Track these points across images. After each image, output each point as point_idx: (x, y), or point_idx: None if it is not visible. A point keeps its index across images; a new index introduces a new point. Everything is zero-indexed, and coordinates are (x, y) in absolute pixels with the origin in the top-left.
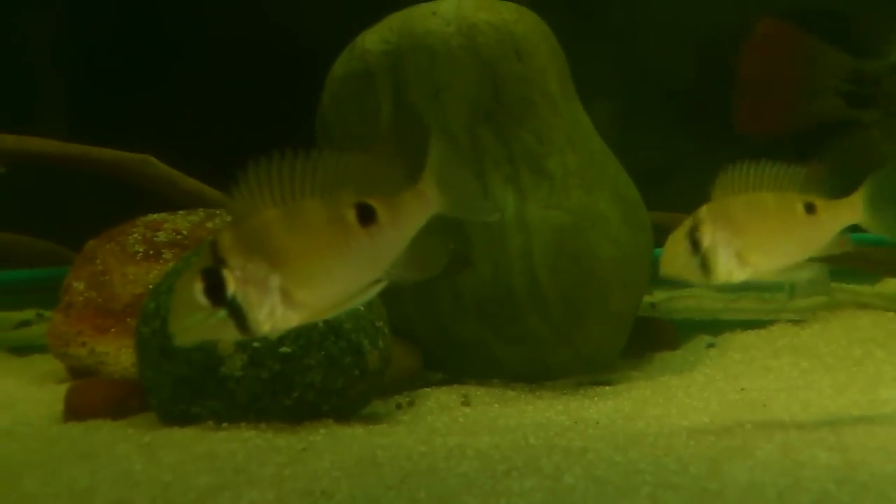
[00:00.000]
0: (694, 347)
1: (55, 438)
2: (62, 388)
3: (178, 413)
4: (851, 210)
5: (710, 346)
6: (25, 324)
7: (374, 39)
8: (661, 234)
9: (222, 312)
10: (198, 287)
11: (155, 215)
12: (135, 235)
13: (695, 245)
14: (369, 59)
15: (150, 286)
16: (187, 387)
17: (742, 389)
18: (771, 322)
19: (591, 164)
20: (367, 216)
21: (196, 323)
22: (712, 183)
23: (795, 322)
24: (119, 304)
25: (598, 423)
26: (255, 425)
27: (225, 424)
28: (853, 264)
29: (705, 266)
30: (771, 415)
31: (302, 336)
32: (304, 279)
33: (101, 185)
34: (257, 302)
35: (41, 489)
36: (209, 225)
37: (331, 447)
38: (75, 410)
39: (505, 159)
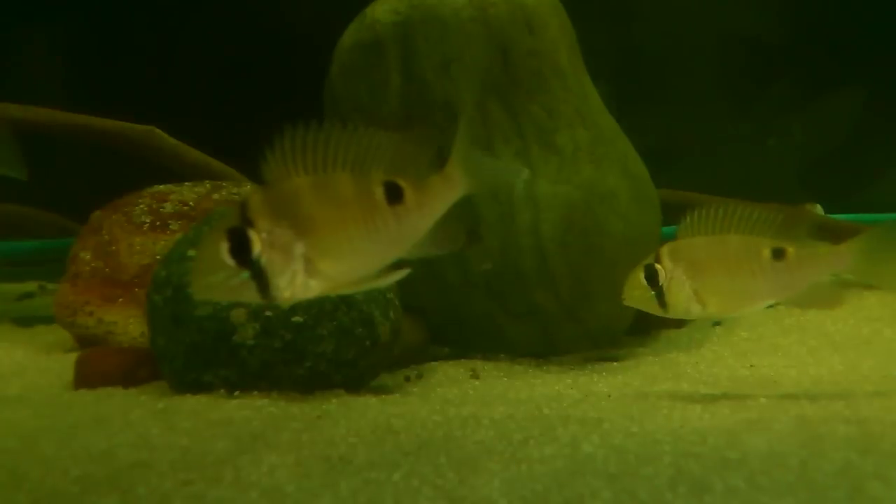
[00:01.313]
0: (699, 326)
1: (67, 405)
2: (70, 358)
3: (189, 381)
4: (839, 258)
5: (716, 324)
6: (28, 296)
7: (384, 9)
8: (669, 212)
9: (245, 274)
10: (223, 246)
11: (161, 186)
12: (141, 206)
13: (652, 280)
14: (379, 30)
15: (158, 256)
16: (199, 355)
17: (751, 366)
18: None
19: (600, 140)
20: (395, 196)
21: (218, 281)
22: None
23: None
24: (126, 275)
25: (609, 395)
26: (266, 394)
27: (237, 393)
28: None
29: (661, 301)
30: (783, 390)
31: (314, 306)
32: (328, 250)
33: (106, 156)
34: (281, 267)
35: (58, 452)
36: (215, 196)
37: (345, 415)
38: (86, 378)
39: (515, 134)
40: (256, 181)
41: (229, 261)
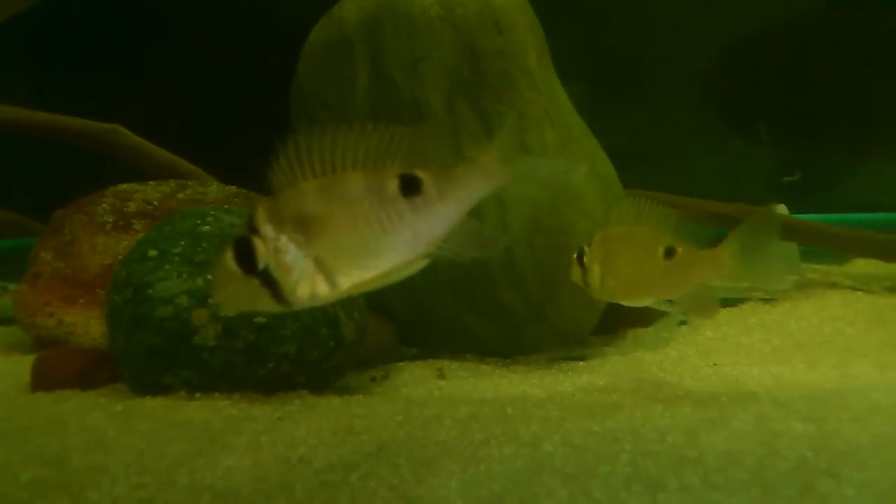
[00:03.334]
0: (666, 325)
1: (23, 408)
2: (29, 360)
3: (149, 383)
4: (715, 262)
5: (682, 323)
6: None
7: (351, 7)
8: None
9: (255, 282)
10: (230, 257)
11: (125, 185)
12: (104, 205)
13: (580, 262)
14: (346, 28)
15: (120, 257)
16: (160, 356)
17: (715, 365)
18: (742, 300)
19: (568, 140)
20: (411, 187)
21: (233, 292)
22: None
23: (766, 301)
24: (88, 275)
25: (573, 395)
26: (228, 396)
27: (198, 395)
28: (823, 245)
29: (585, 281)
30: (745, 388)
31: None
32: (341, 250)
33: (70, 154)
34: (290, 271)
35: (10, 456)
36: (180, 196)
37: (307, 416)
38: (43, 380)
39: (483, 133)
40: (222, 180)
41: (238, 271)
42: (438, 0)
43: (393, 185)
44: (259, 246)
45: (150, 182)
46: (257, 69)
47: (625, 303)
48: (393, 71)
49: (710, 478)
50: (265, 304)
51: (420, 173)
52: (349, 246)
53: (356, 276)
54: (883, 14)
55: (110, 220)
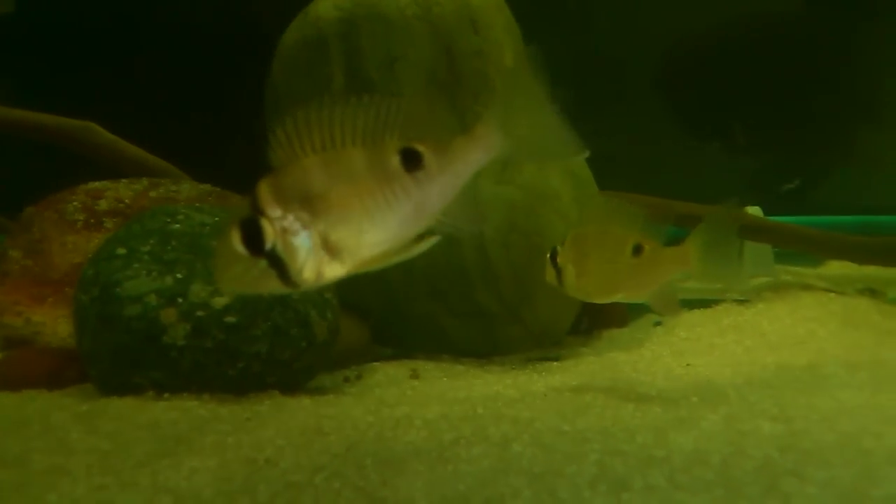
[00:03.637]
0: (641, 325)
1: None
2: None
3: (117, 383)
4: (680, 260)
5: (657, 324)
6: None
7: (327, 6)
8: None
9: (262, 263)
10: (236, 237)
11: (97, 183)
12: (75, 203)
13: (553, 262)
14: (322, 26)
15: (91, 255)
16: (127, 356)
17: (688, 365)
18: (716, 302)
19: None
20: (412, 161)
21: (238, 274)
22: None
23: (740, 302)
24: (57, 273)
25: (545, 395)
26: (198, 396)
27: (167, 395)
28: (796, 247)
29: (559, 281)
30: (716, 389)
31: (248, 306)
32: (346, 228)
33: (42, 151)
34: (297, 252)
35: None
36: (152, 194)
37: (276, 417)
38: (8, 381)
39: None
40: (195, 178)
41: (244, 252)
42: None
43: (395, 160)
44: (266, 227)
45: (123, 180)
46: (232, 68)
47: (597, 301)
48: (369, 70)
49: (676, 477)
50: (271, 286)
51: (420, 147)
52: (355, 224)
53: (362, 254)
54: (857, 17)
55: (81, 218)
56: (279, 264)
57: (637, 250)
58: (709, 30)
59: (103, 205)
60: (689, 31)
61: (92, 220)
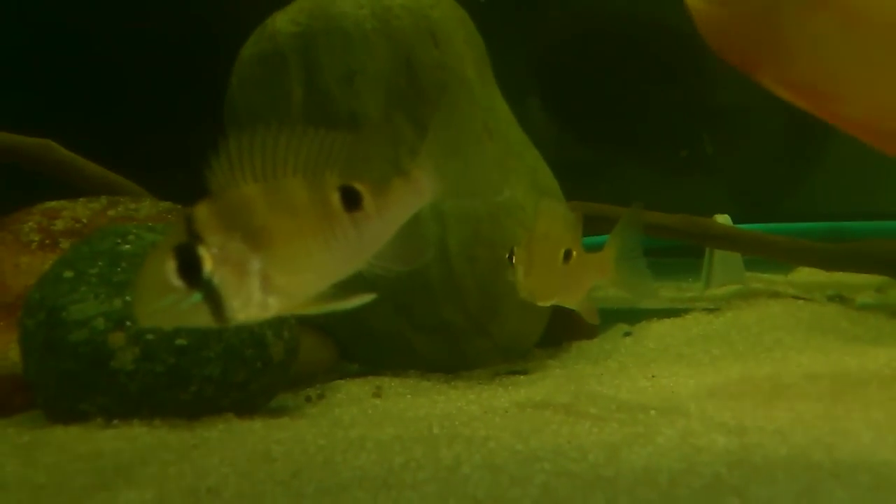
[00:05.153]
0: (611, 336)
1: None
2: None
3: (64, 410)
4: (600, 266)
5: (627, 334)
6: None
7: (284, 20)
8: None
9: (197, 296)
10: (170, 266)
11: (53, 202)
12: (30, 224)
13: (510, 261)
14: (280, 41)
15: None
16: (74, 382)
17: (653, 377)
18: (686, 311)
19: (508, 154)
20: (352, 202)
21: (166, 307)
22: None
23: (710, 310)
24: (10, 296)
25: (506, 411)
26: (148, 421)
27: (115, 421)
28: (764, 255)
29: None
30: (677, 401)
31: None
32: (285, 264)
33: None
34: (236, 285)
35: None
36: (111, 213)
37: (224, 443)
38: None
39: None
40: (156, 195)
41: (177, 282)
42: (373, 12)
43: (335, 197)
44: (205, 255)
45: (81, 199)
46: (191, 83)
47: (539, 303)
48: (328, 84)
49: (618, 500)
50: (201, 321)
51: (360, 187)
52: (294, 260)
53: (295, 294)
54: None
55: (36, 238)
56: (215, 298)
57: (567, 256)
58: (673, 38)
59: (60, 224)
60: (658, 40)
61: (47, 241)
